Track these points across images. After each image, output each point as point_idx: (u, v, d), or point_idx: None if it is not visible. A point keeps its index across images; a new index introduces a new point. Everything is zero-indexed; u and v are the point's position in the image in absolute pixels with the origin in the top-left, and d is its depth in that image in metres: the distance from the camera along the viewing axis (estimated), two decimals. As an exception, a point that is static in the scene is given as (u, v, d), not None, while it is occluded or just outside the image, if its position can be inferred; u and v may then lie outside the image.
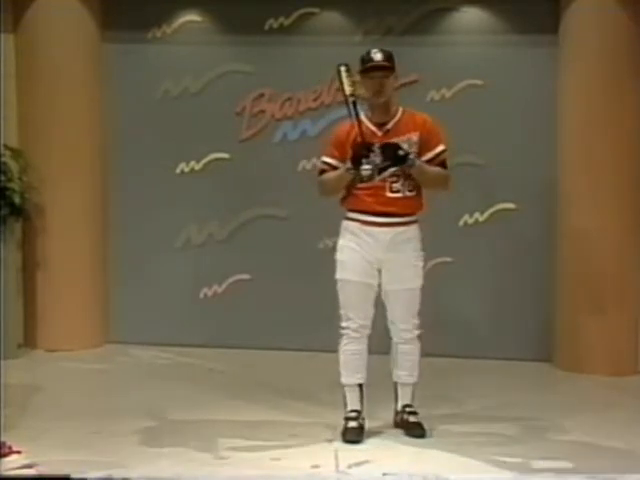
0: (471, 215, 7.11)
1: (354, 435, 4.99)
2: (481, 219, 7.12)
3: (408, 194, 5.01)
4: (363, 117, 5.01)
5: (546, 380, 6.63)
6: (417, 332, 5.15)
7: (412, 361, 5.17)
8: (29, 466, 4.51)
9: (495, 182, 7.02)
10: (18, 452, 4.65)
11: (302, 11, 7.23)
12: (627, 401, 6.05)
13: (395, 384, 5.23)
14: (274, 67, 7.21)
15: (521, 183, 7.03)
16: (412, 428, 5.13)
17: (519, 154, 7.00)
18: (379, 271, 5.03)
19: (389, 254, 4.99)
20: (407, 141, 4.96)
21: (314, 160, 7.14)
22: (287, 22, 7.24)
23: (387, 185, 4.95)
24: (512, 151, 7.00)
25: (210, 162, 7.35)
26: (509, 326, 7.07)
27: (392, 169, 4.88)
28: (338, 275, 5.08)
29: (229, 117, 7.29)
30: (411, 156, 4.89)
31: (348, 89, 4.97)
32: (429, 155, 5.02)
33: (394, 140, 4.93)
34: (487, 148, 7.00)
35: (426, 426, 5.14)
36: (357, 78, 5.01)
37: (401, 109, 5.08)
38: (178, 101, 7.36)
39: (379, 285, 5.06)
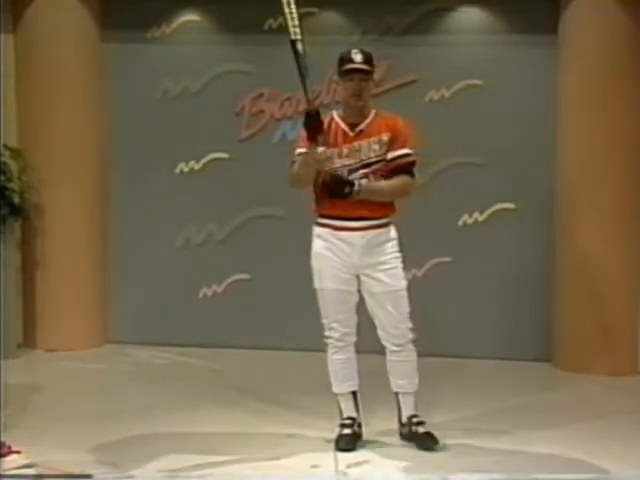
0: (470, 215, 7.11)
1: (347, 443, 4.91)
2: (480, 219, 7.12)
3: None
4: (336, 115, 4.91)
5: (546, 380, 6.63)
6: (411, 336, 4.91)
7: (410, 368, 4.95)
8: (29, 466, 4.51)
9: (494, 182, 7.02)
10: (18, 452, 4.65)
11: (301, 11, 7.18)
12: (627, 402, 6.05)
13: (396, 395, 5.00)
14: (273, 67, 7.19)
15: (520, 183, 7.03)
16: (424, 440, 4.90)
17: (518, 154, 7.00)
18: (357, 277, 4.88)
19: (365, 259, 4.83)
20: (378, 142, 4.84)
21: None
22: (286, 22, 7.23)
23: None
24: (511, 151, 7.00)
25: (209, 162, 7.35)
26: (509, 326, 7.07)
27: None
28: (316, 284, 4.94)
29: (228, 117, 7.29)
30: (355, 188, 4.73)
31: (292, 30, 4.74)
32: (389, 156, 4.84)
33: (365, 142, 4.83)
34: (486, 148, 7.00)
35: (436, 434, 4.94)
36: (298, 13, 4.81)
37: (374, 111, 4.92)
38: (177, 101, 7.37)
39: (359, 291, 4.90)
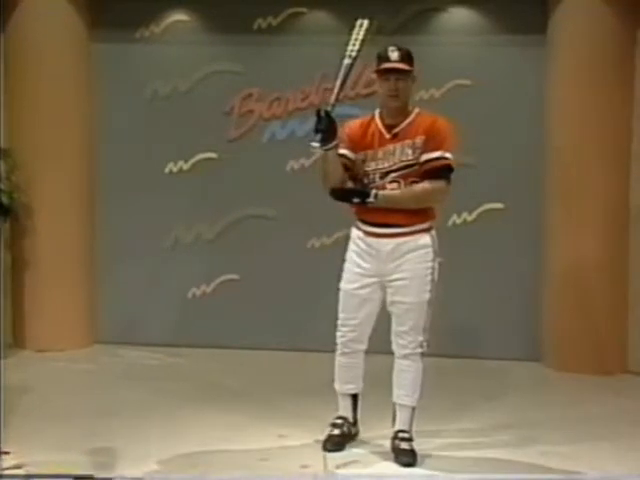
0: (459, 215, 7.12)
1: (334, 444, 4.89)
2: (469, 219, 7.13)
3: None
4: (376, 116, 4.75)
5: (535, 380, 6.64)
6: (419, 350, 4.75)
7: (411, 379, 4.78)
8: (18, 466, 4.50)
9: (483, 182, 7.03)
10: (7, 453, 4.64)
11: (291, 11, 7.23)
12: (616, 401, 6.07)
13: (394, 405, 4.86)
14: (263, 67, 7.21)
15: (509, 183, 7.05)
16: (402, 455, 4.75)
17: (507, 154, 7.02)
18: (382, 284, 4.76)
19: (389, 266, 4.69)
20: (412, 146, 4.64)
21: (302, 160, 7.16)
22: (276, 22, 7.24)
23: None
24: (500, 151, 7.01)
25: (198, 162, 7.35)
26: (497, 326, 7.08)
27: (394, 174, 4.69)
28: (340, 284, 4.84)
29: (217, 117, 7.29)
30: (369, 199, 4.61)
31: (350, 48, 4.60)
32: (422, 158, 4.65)
33: (399, 145, 4.65)
34: (475, 148, 6.98)
35: (416, 449, 4.80)
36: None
37: (416, 110, 4.76)
38: (167, 101, 7.35)
39: (383, 299, 4.79)
